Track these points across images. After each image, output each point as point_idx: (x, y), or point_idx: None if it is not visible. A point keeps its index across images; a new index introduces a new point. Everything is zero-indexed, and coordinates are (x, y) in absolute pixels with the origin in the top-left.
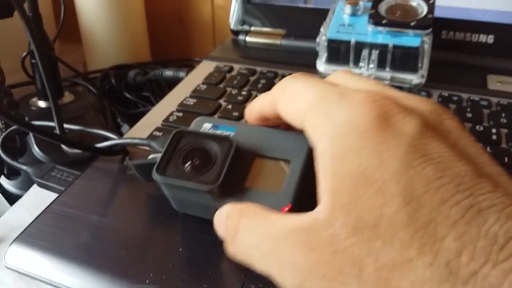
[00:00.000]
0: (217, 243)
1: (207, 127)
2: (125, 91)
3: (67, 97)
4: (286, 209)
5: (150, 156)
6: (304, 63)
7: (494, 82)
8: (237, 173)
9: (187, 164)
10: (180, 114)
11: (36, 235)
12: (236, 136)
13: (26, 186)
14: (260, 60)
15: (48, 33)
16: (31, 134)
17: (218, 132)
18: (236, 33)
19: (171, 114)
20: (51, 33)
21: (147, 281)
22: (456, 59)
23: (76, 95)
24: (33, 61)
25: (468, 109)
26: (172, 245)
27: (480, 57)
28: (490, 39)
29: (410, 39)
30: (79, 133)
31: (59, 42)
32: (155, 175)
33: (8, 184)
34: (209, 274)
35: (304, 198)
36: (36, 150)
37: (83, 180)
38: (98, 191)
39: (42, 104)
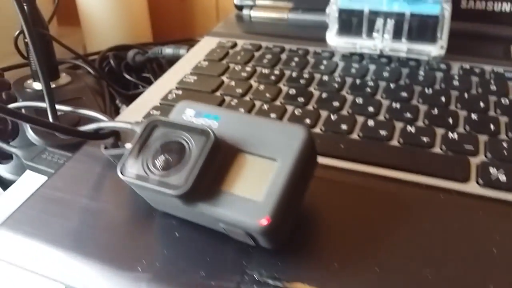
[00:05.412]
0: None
1: (189, 114)
2: (125, 72)
3: (64, 78)
4: (265, 222)
5: (128, 145)
6: (313, 37)
7: None
8: (215, 171)
9: (159, 161)
10: (180, 92)
11: (22, 221)
12: (220, 127)
13: (20, 171)
14: (266, 35)
15: (45, 15)
16: None
17: (200, 121)
18: (240, 8)
19: (169, 92)
20: (49, 14)
21: (140, 269)
22: (477, 29)
23: (74, 76)
24: (26, 40)
25: (492, 82)
26: (168, 230)
27: (503, 27)
28: None
29: (429, 6)
30: (77, 115)
31: (57, 25)
32: (119, 174)
33: (2, 169)
34: (207, 261)
35: (289, 206)
36: (30, 133)
37: (74, 162)
38: (89, 174)
39: (37, 86)
